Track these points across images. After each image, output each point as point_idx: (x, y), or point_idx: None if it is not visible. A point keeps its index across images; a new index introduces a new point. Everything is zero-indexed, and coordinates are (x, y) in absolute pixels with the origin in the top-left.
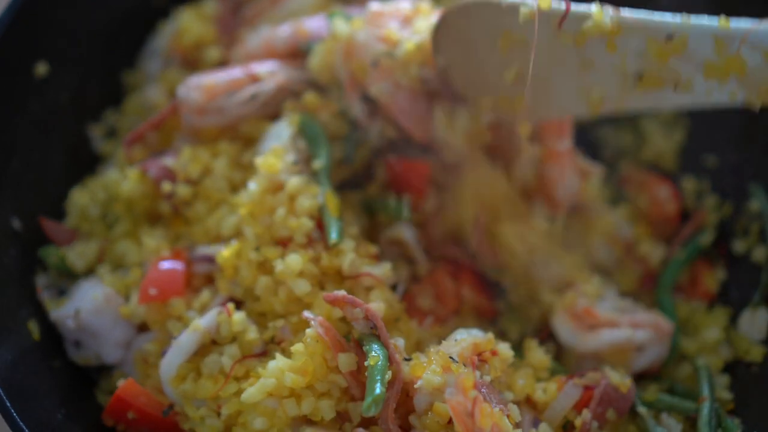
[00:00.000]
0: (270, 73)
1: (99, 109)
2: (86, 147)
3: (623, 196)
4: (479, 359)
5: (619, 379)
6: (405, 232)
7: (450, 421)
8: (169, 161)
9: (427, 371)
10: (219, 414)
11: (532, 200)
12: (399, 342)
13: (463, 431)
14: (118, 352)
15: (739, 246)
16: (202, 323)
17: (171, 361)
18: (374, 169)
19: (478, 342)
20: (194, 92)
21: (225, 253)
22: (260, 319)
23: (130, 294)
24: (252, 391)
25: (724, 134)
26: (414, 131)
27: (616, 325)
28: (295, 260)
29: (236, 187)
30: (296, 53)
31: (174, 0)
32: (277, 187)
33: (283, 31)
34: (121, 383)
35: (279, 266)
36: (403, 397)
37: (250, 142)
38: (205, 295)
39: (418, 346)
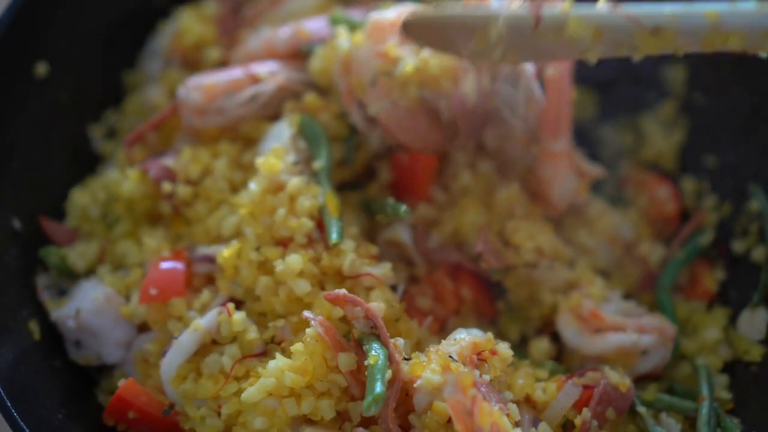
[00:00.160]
0: (270, 73)
1: (99, 109)
2: (86, 147)
3: (623, 196)
4: (478, 359)
5: (618, 378)
6: (402, 234)
7: (449, 420)
8: (169, 161)
9: (427, 370)
10: (219, 414)
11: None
12: (399, 341)
13: (462, 430)
14: (118, 352)
15: (738, 246)
16: (202, 323)
17: (171, 361)
18: (376, 168)
19: (477, 341)
20: (194, 93)
21: (225, 253)
22: (260, 319)
23: (130, 294)
24: (252, 391)
25: (724, 134)
26: (414, 147)
27: (623, 329)
28: (295, 260)
29: (236, 188)
30: (297, 54)
31: (174, 0)
32: (277, 188)
33: (283, 32)
34: (121, 383)
35: (279, 266)
36: (402, 396)
37: (250, 143)
38: (205, 295)
39: (418, 346)
